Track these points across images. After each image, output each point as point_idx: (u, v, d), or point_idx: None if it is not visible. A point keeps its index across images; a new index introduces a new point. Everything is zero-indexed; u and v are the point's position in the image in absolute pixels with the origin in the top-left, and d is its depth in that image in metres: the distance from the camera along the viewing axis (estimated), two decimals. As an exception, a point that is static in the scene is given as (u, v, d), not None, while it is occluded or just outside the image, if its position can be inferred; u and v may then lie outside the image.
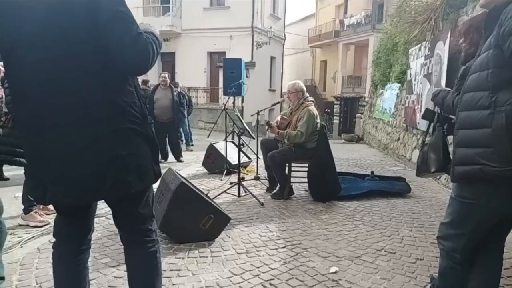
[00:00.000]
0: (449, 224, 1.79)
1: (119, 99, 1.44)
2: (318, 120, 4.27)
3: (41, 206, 3.54)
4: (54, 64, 1.34)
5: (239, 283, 2.30)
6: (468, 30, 2.26)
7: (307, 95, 4.44)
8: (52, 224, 3.09)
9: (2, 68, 2.15)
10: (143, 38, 1.41)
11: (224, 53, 17.17)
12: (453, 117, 2.10)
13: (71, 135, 1.39)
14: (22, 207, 3.40)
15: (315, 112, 4.25)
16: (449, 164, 2.43)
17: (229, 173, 5.43)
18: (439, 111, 2.40)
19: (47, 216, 3.47)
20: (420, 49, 6.73)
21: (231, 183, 4.58)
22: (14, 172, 4.77)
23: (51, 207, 3.57)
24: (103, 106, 1.41)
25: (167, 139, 6.98)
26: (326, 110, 19.46)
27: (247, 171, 5.84)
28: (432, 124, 2.41)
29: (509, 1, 1.48)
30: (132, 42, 1.37)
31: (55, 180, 1.44)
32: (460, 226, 1.73)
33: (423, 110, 6.13)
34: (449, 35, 5.28)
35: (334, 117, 20.65)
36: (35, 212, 3.43)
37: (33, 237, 3.01)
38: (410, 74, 7.39)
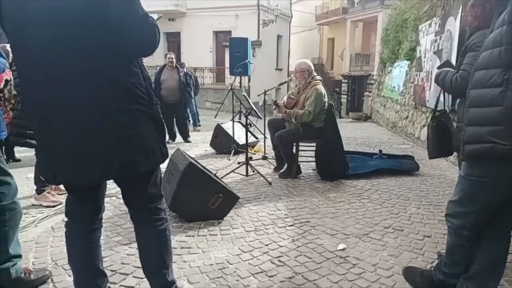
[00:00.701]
0: (457, 202, 1.80)
1: (125, 80, 1.45)
2: (326, 99, 4.24)
3: (53, 187, 3.61)
4: (61, 44, 1.34)
5: (248, 260, 2.35)
6: (474, 2, 2.21)
7: (315, 73, 4.39)
8: (62, 205, 3.17)
9: (10, 50, 2.16)
10: (149, 19, 1.44)
11: (230, 32, 16.94)
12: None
13: (78, 116, 1.40)
14: (35, 187, 3.47)
15: (323, 91, 4.21)
16: (445, 151, 2.45)
17: (236, 153, 5.45)
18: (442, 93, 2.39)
19: (59, 196, 3.54)
20: (430, 25, 6.57)
21: (239, 163, 4.60)
22: (26, 153, 4.85)
23: (62, 187, 3.64)
24: (109, 87, 1.42)
25: (174, 119, 7.01)
26: (336, 89, 19.22)
27: (255, 150, 5.86)
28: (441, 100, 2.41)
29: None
30: (140, 23, 1.41)
31: (64, 161, 1.45)
32: (468, 204, 1.74)
33: (432, 87, 6.06)
34: (460, 10, 5.13)
35: (342, 96, 20.43)
36: (48, 193, 3.51)
37: (46, 216, 3.08)
38: (420, 51, 7.24)
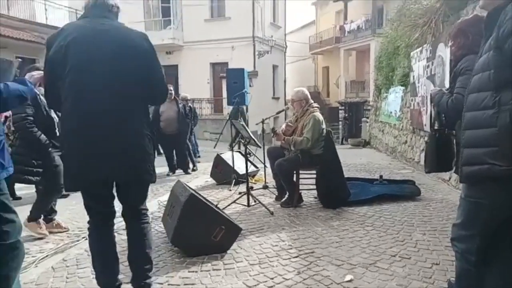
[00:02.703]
0: (460, 225, 1.78)
1: (142, 114, 2.08)
2: (324, 126, 4.27)
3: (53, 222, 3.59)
4: (110, 92, 1.92)
5: (254, 294, 2.29)
6: (457, 33, 2.29)
7: (312, 101, 4.45)
8: (64, 243, 3.12)
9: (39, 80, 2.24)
10: (165, 82, 2.19)
11: (226, 63, 17.29)
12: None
13: (115, 140, 1.94)
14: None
15: (320, 117, 4.25)
16: (444, 164, 2.48)
17: (237, 183, 5.43)
18: (434, 111, 2.44)
19: (46, 231, 3.50)
20: (421, 51, 6.73)
21: (240, 193, 4.57)
22: (25, 191, 4.81)
23: (60, 223, 3.63)
24: (137, 121, 2.01)
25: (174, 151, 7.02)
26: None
27: (255, 180, 5.84)
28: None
29: (508, 2, 1.50)
30: (162, 84, 2.15)
31: (95, 163, 1.92)
32: (471, 227, 1.73)
33: (429, 111, 6.13)
34: (449, 37, 5.28)
35: (339, 123, 20.60)
36: (38, 223, 3.45)
37: (46, 256, 3.02)
38: (413, 76, 7.38)
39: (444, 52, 5.49)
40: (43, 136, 3.30)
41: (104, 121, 1.90)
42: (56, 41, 1.92)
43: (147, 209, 2.21)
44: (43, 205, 3.47)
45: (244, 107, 11.02)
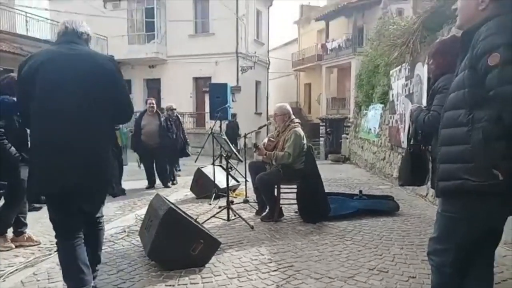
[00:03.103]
0: (437, 238, 1.81)
1: (109, 135, 2.36)
2: (305, 141, 4.32)
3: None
4: (76, 110, 2.05)
5: (231, 309, 2.25)
6: (435, 53, 2.38)
7: (293, 117, 4.50)
8: (35, 257, 3.02)
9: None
10: (132, 104, 2.36)
11: (209, 78, 17.38)
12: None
13: (78, 153, 2.06)
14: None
15: (302, 133, 4.30)
16: (417, 178, 2.55)
17: (217, 197, 5.39)
18: (412, 127, 2.52)
19: (12, 244, 3.41)
20: (400, 70, 6.94)
21: (220, 207, 4.53)
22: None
23: (30, 236, 3.52)
24: (99, 137, 2.17)
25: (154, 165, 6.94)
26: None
27: (236, 194, 5.81)
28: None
29: (482, 23, 1.57)
30: (128, 106, 2.33)
31: (60, 175, 2.04)
32: (447, 240, 1.76)
33: (406, 129, 6.29)
34: (426, 57, 5.47)
35: (321, 138, 20.83)
36: (4, 237, 3.37)
37: (16, 270, 2.89)
38: (392, 94, 7.58)
39: (422, 71, 5.68)
40: (13, 149, 3.19)
41: (68, 136, 2.04)
42: (27, 64, 2.10)
43: (102, 216, 2.45)
44: (7, 218, 3.35)
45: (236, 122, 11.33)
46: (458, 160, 1.63)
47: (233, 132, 11.84)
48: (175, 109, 7.91)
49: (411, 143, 2.61)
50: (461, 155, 1.61)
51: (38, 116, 2.07)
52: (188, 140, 8.37)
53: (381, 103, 8.83)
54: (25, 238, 3.49)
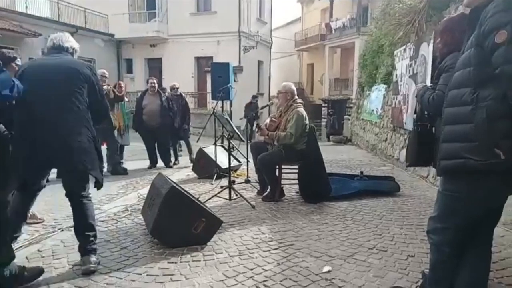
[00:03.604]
0: (437, 217, 1.83)
1: (85, 124, 2.56)
2: (307, 122, 4.30)
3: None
4: (55, 104, 2.45)
5: (233, 285, 2.29)
6: (443, 30, 2.33)
7: (296, 97, 4.46)
8: (40, 234, 3.07)
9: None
10: (105, 102, 2.79)
11: (211, 58, 17.16)
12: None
13: (57, 136, 2.45)
14: None
15: (304, 113, 4.28)
16: (424, 159, 2.53)
17: (219, 177, 5.42)
18: (418, 107, 2.48)
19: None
20: (405, 50, 6.84)
21: (221, 187, 4.56)
22: None
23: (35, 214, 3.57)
24: (75, 125, 2.50)
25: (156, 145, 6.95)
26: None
27: (238, 174, 5.83)
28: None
29: (489, 1, 1.53)
30: (100, 104, 2.70)
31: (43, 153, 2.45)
32: (447, 219, 1.77)
33: (409, 110, 6.24)
34: (432, 36, 5.37)
35: (323, 120, 20.76)
36: None
37: (21, 246, 2.94)
38: (396, 75, 7.49)
39: (427, 51, 5.59)
40: (1, 126, 3.18)
41: (49, 123, 2.41)
42: (17, 72, 2.55)
43: (88, 194, 2.62)
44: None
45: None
46: (461, 139, 1.63)
47: (253, 112, 11.39)
48: (177, 88, 7.71)
49: (418, 122, 2.57)
50: (464, 134, 1.60)
51: (25, 108, 2.44)
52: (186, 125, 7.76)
53: (384, 83, 8.74)
54: (29, 215, 3.53)
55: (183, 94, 8.10)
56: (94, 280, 2.35)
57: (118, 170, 6.31)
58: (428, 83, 5.36)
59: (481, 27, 1.53)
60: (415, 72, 6.15)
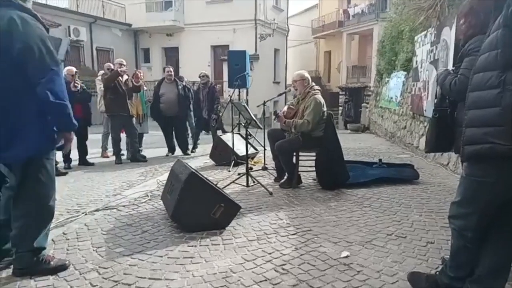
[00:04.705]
0: (459, 202, 1.81)
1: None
2: (325, 109, 4.27)
3: None
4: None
5: (251, 268, 2.33)
6: (468, 12, 2.25)
7: (313, 83, 4.43)
8: (64, 218, 3.16)
9: None
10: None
11: (227, 46, 17.15)
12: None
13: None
14: None
15: (322, 100, 4.24)
16: (442, 145, 2.47)
17: (236, 164, 5.46)
18: (439, 91, 2.42)
19: None
20: (426, 35, 6.67)
21: (239, 174, 4.60)
22: None
23: None
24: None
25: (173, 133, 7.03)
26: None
27: (255, 162, 5.86)
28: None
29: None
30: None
31: None
32: (470, 205, 1.75)
33: (429, 97, 6.11)
34: (455, 20, 5.21)
35: (340, 108, 20.54)
36: None
37: (59, 222, 3.07)
38: (416, 61, 7.33)
39: (449, 36, 5.44)
40: None
41: None
42: None
43: None
44: None
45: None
46: (487, 123, 1.59)
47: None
48: (205, 76, 7.30)
49: (437, 108, 2.53)
50: (490, 119, 1.57)
51: None
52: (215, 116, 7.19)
53: (404, 70, 8.57)
54: None
55: (212, 82, 7.66)
56: (117, 261, 2.42)
57: (137, 158, 6.43)
58: (450, 68, 5.23)
59: (509, 7, 1.49)
60: (436, 58, 6.00)
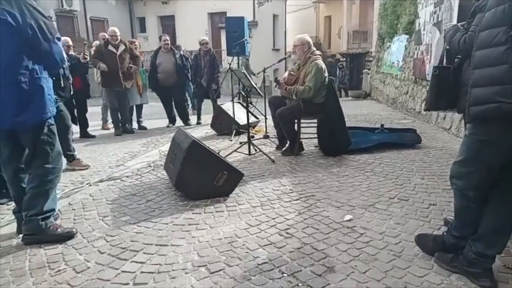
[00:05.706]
0: (461, 162, 1.80)
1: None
2: (326, 74, 4.20)
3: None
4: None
5: (256, 233, 2.36)
6: None
7: (314, 48, 4.33)
8: (69, 189, 3.18)
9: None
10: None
11: (225, 13, 16.63)
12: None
13: None
14: None
15: (323, 66, 4.16)
16: (442, 103, 2.40)
17: (238, 133, 5.45)
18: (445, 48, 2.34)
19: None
20: (429, -4, 6.45)
21: (241, 143, 4.60)
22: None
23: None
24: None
25: (173, 103, 6.98)
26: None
27: (256, 131, 5.84)
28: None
29: None
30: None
31: None
32: (473, 164, 1.74)
33: (432, 60, 5.99)
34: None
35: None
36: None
37: (64, 193, 3.11)
38: (419, 24, 7.14)
39: (453, -5, 5.26)
40: None
41: None
42: None
43: None
44: None
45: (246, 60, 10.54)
46: (494, 82, 1.56)
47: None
48: (205, 43, 7.04)
49: (438, 65, 2.44)
50: (497, 77, 1.54)
51: None
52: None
53: (406, 33, 8.36)
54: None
55: (212, 50, 7.41)
56: (124, 229, 2.46)
57: (126, 129, 6.48)
58: (459, 24, 5.08)
59: None
60: (439, 19, 5.84)
